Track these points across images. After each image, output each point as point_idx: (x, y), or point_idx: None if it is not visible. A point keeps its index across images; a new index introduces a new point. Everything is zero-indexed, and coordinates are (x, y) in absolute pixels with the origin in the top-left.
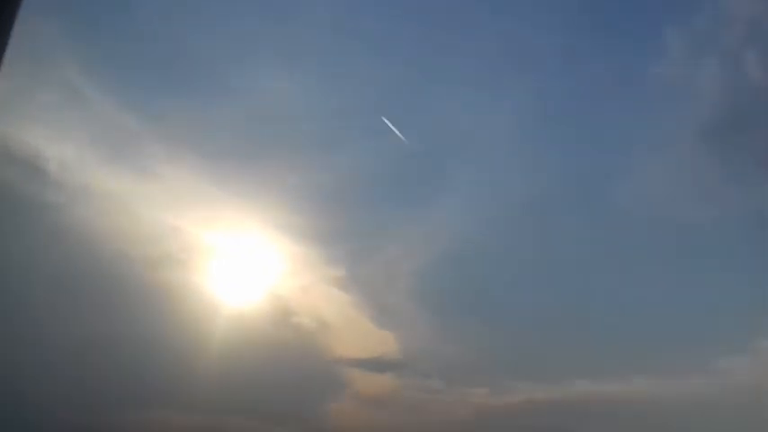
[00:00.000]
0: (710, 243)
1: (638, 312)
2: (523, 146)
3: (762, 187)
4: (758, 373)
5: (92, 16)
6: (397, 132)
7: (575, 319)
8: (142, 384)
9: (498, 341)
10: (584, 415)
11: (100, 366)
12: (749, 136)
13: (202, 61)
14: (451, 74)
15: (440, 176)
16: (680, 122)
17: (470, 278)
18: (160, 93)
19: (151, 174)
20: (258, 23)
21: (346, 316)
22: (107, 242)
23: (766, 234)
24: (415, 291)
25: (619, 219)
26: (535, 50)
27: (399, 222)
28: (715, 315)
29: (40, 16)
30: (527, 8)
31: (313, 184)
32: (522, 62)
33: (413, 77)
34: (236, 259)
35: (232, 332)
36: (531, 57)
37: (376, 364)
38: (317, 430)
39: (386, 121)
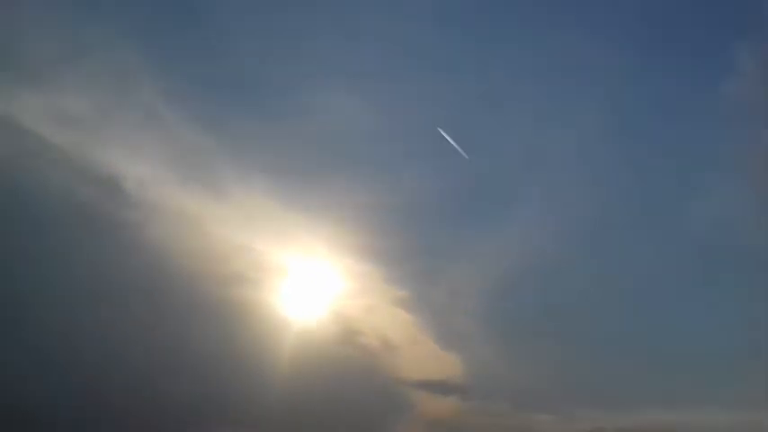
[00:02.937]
0: None
1: (712, 341)
2: (590, 165)
3: None
4: None
5: (169, 41)
6: (458, 148)
7: (646, 345)
8: (209, 400)
9: (566, 366)
10: None
11: (169, 379)
12: None
13: (273, 84)
14: (518, 92)
15: (506, 196)
16: (752, 142)
17: (537, 300)
18: (233, 114)
19: (223, 193)
20: (326, 46)
21: (411, 337)
22: (181, 259)
23: None
24: (480, 312)
25: (691, 242)
26: (603, 67)
27: (465, 242)
28: None
29: (121, 40)
30: (595, 26)
31: (379, 204)
32: (589, 79)
33: (479, 96)
34: (304, 278)
35: (298, 350)
36: (599, 74)
37: (440, 387)
38: None
39: (444, 134)
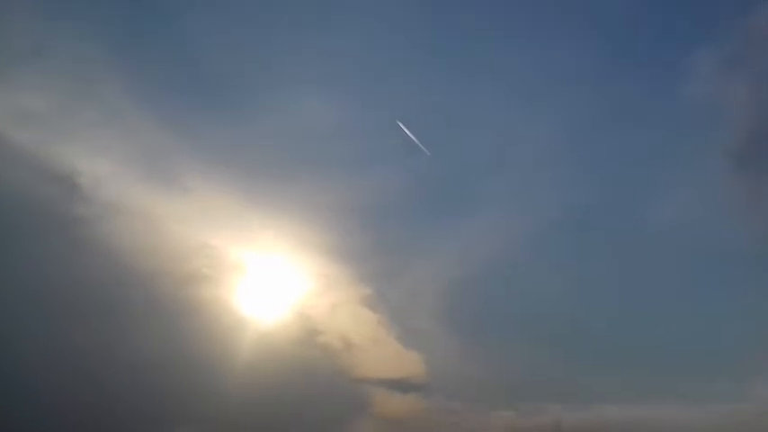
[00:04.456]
0: (742, 266)
1: (670, 336)
2: (553, 166)
3: None
4: None
5: (131, 37)
6: (421, 146)
7: (605, 342)
8: (166, 400)
9: (527, 363)
10: None
11: (125, 381)
12: None
13: (237, 82)
14: (482, 93)
15: (469, 196)
16: (710, 143)
17: (499, 298)
18: (194, 111)
19: (183, 190)
20: (290, 46)
21: (373, 335)
22: (138, 258)
23: None
24: (442, 310)
25: (650, 240)
26: (567, 71)
27: (428, 241)
28: (747, 340)
29: (84, 37)
30: (560, 31)
31: (342, 203)
32: (552, 81)
33: (443, 97)
34: (265, 277)
35: (259, 350)
36: (563, 77)
37: (401, 385)
38: None
39: (408, 132)
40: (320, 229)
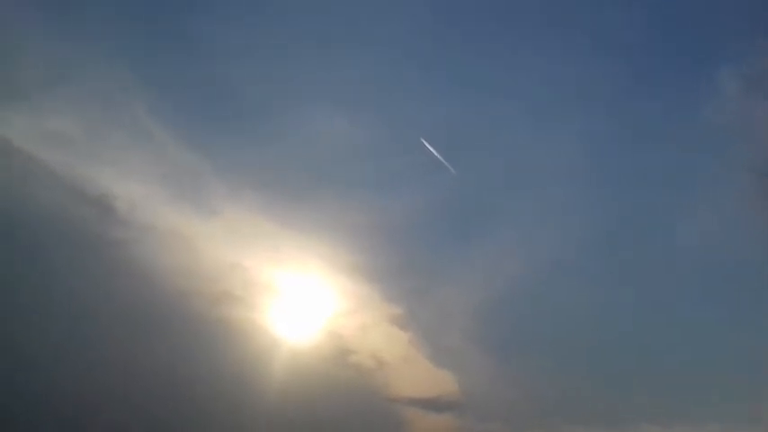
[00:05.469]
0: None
1: (706, 355)
2: (580, 184)
3: None
4: None
5: (161, 60)
6: (447, 164)
7: (638, 362)
8: (199, 419)
9: (559, 383)
10: None
11: (157, 400)
12: None
13: (266, 104)
14: (506, 111)
15: (499, 213)
16: (733, 163)
17: (529, 317)
18: (225, 133)
19: (214, 212)
20: (317, 67)
21: (405, 355)
22: (170, 278)
23: None
24: (474, 329)
25: (677, 259)
26: (590, 90)
27: (459, 260)
28: None
29: (113, 60)
30: (582, 49)
31: (372, 223)
32: (576, 102)
33: (469, 117)
34: (296, 297)
35: (290, 370)
36: (587, 96)
37: (434, 404)
38: None
39: (434, 151)
40: (349, 248)
